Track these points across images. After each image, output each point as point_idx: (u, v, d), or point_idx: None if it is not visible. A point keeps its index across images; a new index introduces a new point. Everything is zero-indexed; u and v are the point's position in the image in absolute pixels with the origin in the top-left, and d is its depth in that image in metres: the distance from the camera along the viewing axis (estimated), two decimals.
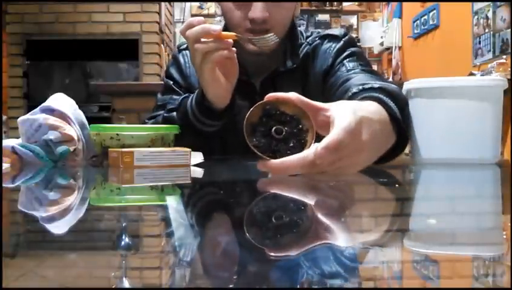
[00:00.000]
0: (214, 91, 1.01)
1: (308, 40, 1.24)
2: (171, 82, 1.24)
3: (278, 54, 1.20)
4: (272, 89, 1.18)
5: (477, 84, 0.98)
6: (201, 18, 0.99)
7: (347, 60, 1.17)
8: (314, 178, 0.70)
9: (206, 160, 0.95)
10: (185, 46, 1.29)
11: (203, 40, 0.94)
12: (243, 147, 1.00)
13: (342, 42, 1.21)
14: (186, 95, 1.13)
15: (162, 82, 1.34)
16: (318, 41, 1.23)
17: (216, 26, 0.96)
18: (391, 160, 0.88)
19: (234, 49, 0.97)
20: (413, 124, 0.96)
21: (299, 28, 1.26)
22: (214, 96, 1.02)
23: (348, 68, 1.14)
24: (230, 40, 0.96)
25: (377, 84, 0.94)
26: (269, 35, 1.01)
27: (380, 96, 0.86)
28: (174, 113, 1.12)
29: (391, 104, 0.86)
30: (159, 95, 1.26)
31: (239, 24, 1.13)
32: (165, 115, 1.15)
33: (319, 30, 1.28)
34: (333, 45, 1.21)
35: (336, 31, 1.26)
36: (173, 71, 1.26)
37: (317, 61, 1.21)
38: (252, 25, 1.11)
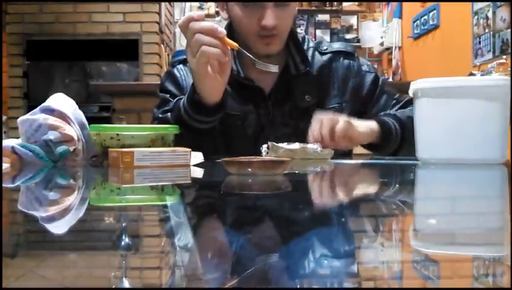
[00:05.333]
0: (205, 86, 1.04)
1: (320, 50, 1.29)
2: (167, 95, 1.25)
3: (283, 56, 1.22)
4: (285, 93, 1.22)
5: (485, 84, 0.98)
6: (202, 13, 1.02)
7: (384, 96, 1.30)
8: (315, 178, 0.70)
9: (206, 160, 0.95)
10: (179, 60, 1.30)
11: None
12: (250, 152, 1.01)
13: (375, 74, 1.33)
14: (180, 97, 1.14)
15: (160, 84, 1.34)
16: (332, 56, 1.29)
17: (223, 29, 0.99)
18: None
19: (229, 52, 1.01)
20: (420, 124, 0.96)
21: (303, 34, 1.33)
22: (204, 90, 1.04)
23: (388, 104, 1.29)
24: (229, 49, 1.00)
25: (395, 112, 1.24)
26: (271, 65, 1.06)
27: (387, 118, 1.19)
28: (168, 114, 1.13)
29: (393, 123, 1.18)
30: (155, 110, 1.26)
31: (249, 29, 1.17)
32: (160, 116, 1.17)
33: (328, 42, 1.37)
34: (355, 64, 1.30)
35: (347, 47, 1.34)
36: (169, 84, 1.27)
37: (338, 75, 1.28)
38: (262, 31, 1.15)
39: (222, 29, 0.98)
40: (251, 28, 1.16)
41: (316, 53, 1.29)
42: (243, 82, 1.21)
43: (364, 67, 1.32)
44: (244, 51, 1.02)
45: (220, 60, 0.99)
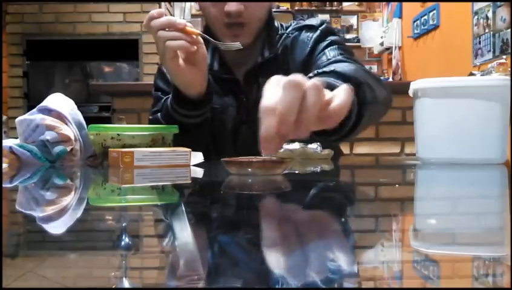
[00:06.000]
0: (182, 80, 1.02)
1: (287, 32, 1.24)
2: (160, 93, 1.24)
3: (257, 46, 1.21)
4: (255, 82, 1.19)
5: (485, 84, 0.98)
6: (162, 10, 1.01)
7: (328, 49, 1.16)
8: (315, 178, 0.70)
9: (206, 160, 0.95)
10: None
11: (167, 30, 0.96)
12: (232, 143, 0.99)
13: (319, 31, 1.21)
14: (168, 96, 1.14)
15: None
16: (296, 32, 1.23)
17: (182, 20, 0.97)
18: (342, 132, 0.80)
19: (201, 40, 0.99)
20: (420, 124, 0.96)
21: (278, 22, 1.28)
22: (183, 85, 1.03)
23: (329, 57, 1.13)
24: (199, 38, 0.98)
25: (332, 67, 0.88)
26: (233, 43, 1.03)
27: (328, 79, 0.78)
28: (158, 114, 1.13)
29: (337, 82, 0.76)
30: (150, 109, 1.26)
31: (216, 19, 1.14)
32: (150, 117, 1.17)
33: (298, 21, 1.29)
34: (311, 35, 1.21)
35: (313, 21, 1.26)
36: (160, 82, 1.26)
37: (296, 51, 1.21)
38: (228, 19, 1.12)
39: (181, 20, 0.96)
40: (217, 17, 1.13)
41: (284, 35, 1.22)
42: (219, 76, 1.20)
43: (318, 35, 1.19)
44: (206, 36, 1.00)
45: (188, 50, 0.97)
